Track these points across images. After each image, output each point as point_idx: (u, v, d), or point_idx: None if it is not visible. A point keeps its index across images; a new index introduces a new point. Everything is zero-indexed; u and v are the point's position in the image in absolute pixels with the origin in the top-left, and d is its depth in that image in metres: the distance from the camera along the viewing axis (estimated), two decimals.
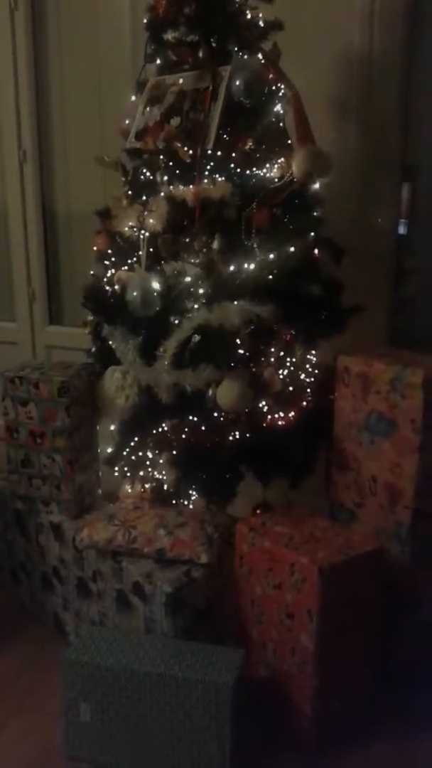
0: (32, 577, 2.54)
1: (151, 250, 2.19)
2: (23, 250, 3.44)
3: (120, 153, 2.31)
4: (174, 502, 2.36)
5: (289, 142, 2.23)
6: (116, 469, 2.39)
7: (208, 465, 2.23)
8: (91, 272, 2.41)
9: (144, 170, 2.22)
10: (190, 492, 2.35)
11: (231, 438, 2.21)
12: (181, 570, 2.08)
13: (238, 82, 2.06)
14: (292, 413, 2.25)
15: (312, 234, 2.25)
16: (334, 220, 2.37)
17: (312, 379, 2.34)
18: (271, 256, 2.13)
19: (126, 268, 2.28)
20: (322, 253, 2.32)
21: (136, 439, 2.31)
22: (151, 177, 2.20)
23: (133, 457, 2.33)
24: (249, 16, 2.19)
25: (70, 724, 1.94)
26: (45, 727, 2.09)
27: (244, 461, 2.28)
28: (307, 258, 2.26)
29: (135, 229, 2.23)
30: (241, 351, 2.13)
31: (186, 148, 2.10)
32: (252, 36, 2.19)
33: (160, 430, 2.26)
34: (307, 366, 2.34)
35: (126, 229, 2.26)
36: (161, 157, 2.15)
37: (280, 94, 2.20)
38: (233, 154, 2.12)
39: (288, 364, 2.26)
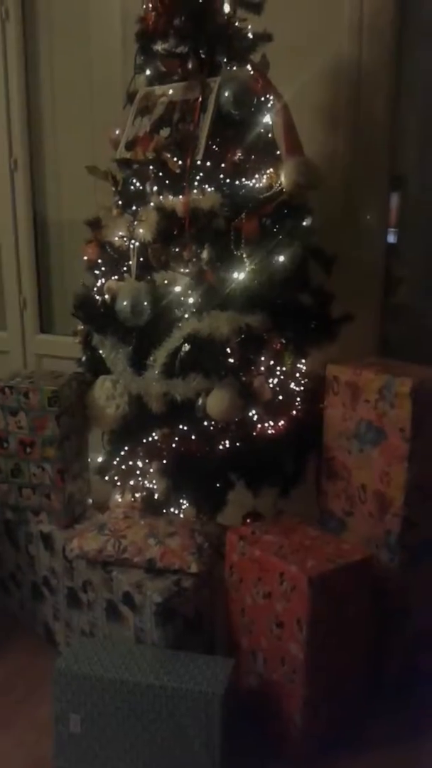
0: (22, 588, 2.53)
1: (141, 259, 2.20)
2: (14, 258, 3.45)
3: (110, 163, 2.31)
4: (164, 511, 2.36)
5: (278, 152, 2.25)
6: (106, 478, 2.39)
7: (198, 474, 2.24)
8: (82, 282, 2.41)
9: (134, 180, 2.23)
10: (181, 501, 2.35)
11: (221, 447, 2.21)
12: (171, 580, 2.08)
13: (227, 94, 2.07)
14: (282, 422, 2.26)
15: (301, 243, 2.26)
16: (324, 229, 2.38)
17: (302, 388, 2.34)
18: (261, 265, 2.14)
19: (116, 277, 2.29)
20: (312, 262, 2.33)
21: (126, 448, 2.31)
22: (141, 187, 2.21)
23: (123, 467, 2.33)
24: (238, 28, 2.21)
25: (59, 736, 1.93)
26: (35, 738, 2.08)
27: (234, 470, 2.28)
28: (297, 267, 2.27)
29: (125, 239, 2.24)
30: (231, 360, 2.14)
31: (176, 159, 2.11)
32: (241, 47, 2.20)
33: (150, 439, 2.26)
34: (297, 375, 2.34)
35: (116, 238, 2.27)
36: (151, 167, 2.16)
37: (269, 105, 2.22)
38: (222, 165, 2.14)
39: (278, 373, 2.27)
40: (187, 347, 2.12)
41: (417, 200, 2.82)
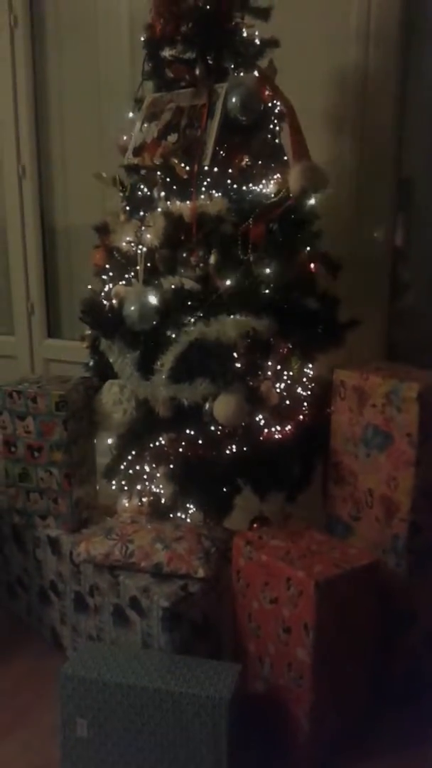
0: (30, 592, 2.54)
1: (148, 264, 2.21)
2: (22, 264, 3.47)
3: (118, 169, 2.32)
4: (171, 515, 2.36)
5: (285, 158, 2.25)
6: (114, 482, 2.39)
7: (205, 479, 2.24)
8: (89, 287, 2.42)
9: (142, 186, 2.24)
10: (188, 506, 2.35)
11: (228, 452, 2.21)
12: (178, 584, 2.08)
13: (234, 100, 2.08)
14: (289, 427, 2.26)
15: (308, 248, 2.27)
16: (330, 233, 2.39)
17: (309, 393, 2.34)
18: (268, 270, 2.15)
19: (124, 282, 2.30)
20: (319, 267, 2.34)
21: (133, 452, 2.31)
22: (149, 193, 2.22)
23: (130, 471, 2.34)
24: (245, 34, 2.22)
25: (66, 740, 1.93)
26: (42, 742, 2.08)
27: (241, 475, 2.28)
28: (304, 272, 2.28)
29: (132, 245, 2.25)
30: (237, 365, 2.14)
31: (183, 165, 2.12)
32: (248, 53, 2.21)
33: (157, 443, 2.26)
34: (304, 379, 2.35)
35: (124, 244, 2.28)
36: (159, 173, 2.17)
37: (276, 110, 2.23)
38: (230, 170, 2.14)
39: (285, 377, 2.27)
40: (194, 352, 2.12)
41: (424, 204, 2.82)
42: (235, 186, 2.14)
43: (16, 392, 2.32)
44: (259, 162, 2.20)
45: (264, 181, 2.19)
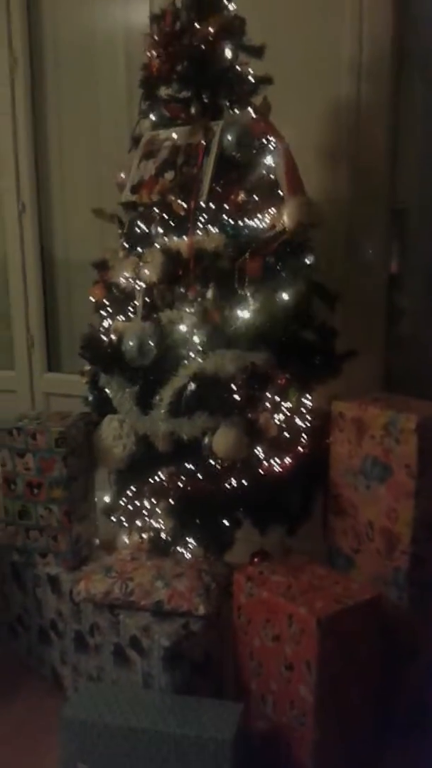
0: (30, 631, 2.51)
1: (147, 300, 2.22)
2: (22, 298, 3.49)
3: (116, 206, 2.35)
4: (172, 551, 2.35)
5: (281, 192, 2.28)
6: (113, 518, 2.38)
7: (205, 513, 2.23)
8: (89, 323, 2.43)
9: (139, 223, 2.26)
10: (188, 540, 2.34)
11: (227, 485, 2.20)
12: (178, 623, 2.05)
13: (229, 137, 2.12)
14: (289, 459, 2.25)
15: (304, 281, 2.28)
16: (327, 264, 2.41)
17: (308, 424, 2.34)
18: (265, 303, 2.16)
19: (122, 318, 2.31)
20: (315, 299, 2.35)
21: (133, 488, 2.31)
22: (147, 229, 2.24)
23: (130, 507, 2.33)
24: (240, 72, 2.26)
25: None
26: None
27: (242, 508, 2.27)
28: (301, 304, 2.29)
29: (131, 280, 2.26)
30: (236, 398, 2.14)
31: (180, 201, 2.14)
32: (243, 91, 2.25)
33: (156, 478, 2.25)
34: (303, 411, 2.34)
35: (122, 280, 2.29)
36: (156, 209, 2.19)
37: (271, 146, 2.26)
38: (226, 206, 2.17)
39: (283, 409, 2.27)
40: (192, 386, 2.13)
41: (417, 232, 2.85)
42: (231, 221, 2.16)
43: (16, 429, 2.32)
44: (255, 197, 2.22)
45: (260, 216, 2.21)
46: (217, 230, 2.14)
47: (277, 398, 2.23)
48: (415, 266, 2.89)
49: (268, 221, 2.22)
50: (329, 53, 2.68)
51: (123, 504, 2.34)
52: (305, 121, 2.65)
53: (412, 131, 2.76)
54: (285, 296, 2.20)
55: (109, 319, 2.36)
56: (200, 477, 2.21)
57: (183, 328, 2.16)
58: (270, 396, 2.21)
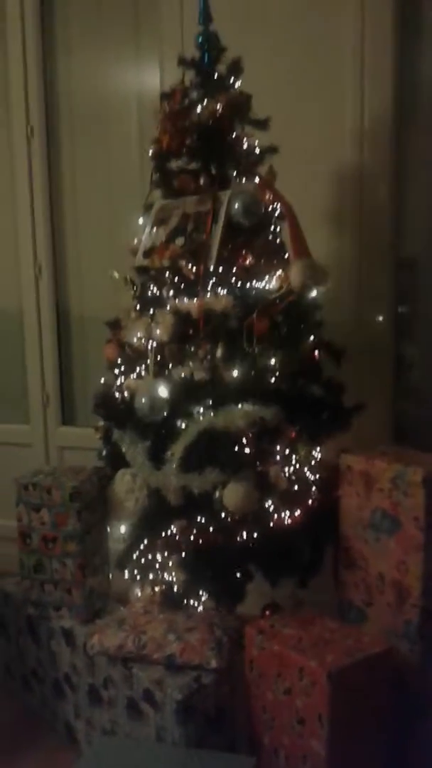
0: (44, 684, 2.53)
1: (158, 358, 2.31)
2: (38, 356, 3.59)
3: (129, 269, 2.46)
4: (184, 603, 2.38)
5: (287, 255, 2.38)
6: (126, 571, 2.42)
7: (216, 566, 2.26)
8: (102, 380, 2.52)
9: (151, 285, 2.36)
10: (200, 593, 2.37)
11: (239, 539, 2.25)
12: (191, 676, 2.08)
13: (236, 206, 2.22)
14: (299, 512, 2.29)
15: (312, 338, 2.36)
16: (333, 321, 2.49)
17: (317, 477, 2.39)
18: (273, 360, 2.24)
19: (135, 376, 2.39)
20: (323, 354, 2.43)
21: (145, 541, 2.35)
22: (158, 292, 2.34)
23: (142, 560, 2.37)
24: (246, 144, 2.38)
25: None
26: None
27: (253, 561, 2.30)
28: (308, 360, 2.36)
29: (143, 339, 2.35)
30: (246, 451, 2.20)
31: (190, 266, 2.24)
32: (249, 162, 2.37)
33: (168, 532, 2.30)
34: (312, 464, 2.39)
35: (135, 339, 2.38)
36: (167, 273, 2.29)
37: (277, 212, 2.37)
38: (234, 269, 2.26)
39: (293, 462, 2.32)
40: (203, 441, 2.19)
41: (424, 285, 2.93)
42: (239, 283, 2.25)
43: (32, 484, 2.39)
44: (262, 260, 2.32)
45: (267, 278, 2.31)
46: (225, 292, 2.23)
47: (287, 451, 2.29)
48: (422, 318, 2.97)
49: (274, 282, 2.31)
50: (332, 122, 2.82)
51: (136, 557, 2.38)
52: (310, 187, 2.77)
53: (417, 181, 2.86)
54: (292, 353, 2.28)
55: (122, 377, 2.45)
56: (212, 530, 2.25)
57: (193, 384, 2.24)
58: (279, 450, 2.27)
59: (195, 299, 2.23)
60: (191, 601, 2.37)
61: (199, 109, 2.30)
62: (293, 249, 2.34)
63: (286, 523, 2.26)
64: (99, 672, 2.25)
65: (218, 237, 2.20)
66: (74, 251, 3.54)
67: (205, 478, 2.19)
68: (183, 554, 2.29)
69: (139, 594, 2.45)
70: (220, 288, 2.23)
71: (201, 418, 2.20)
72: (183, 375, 2.25)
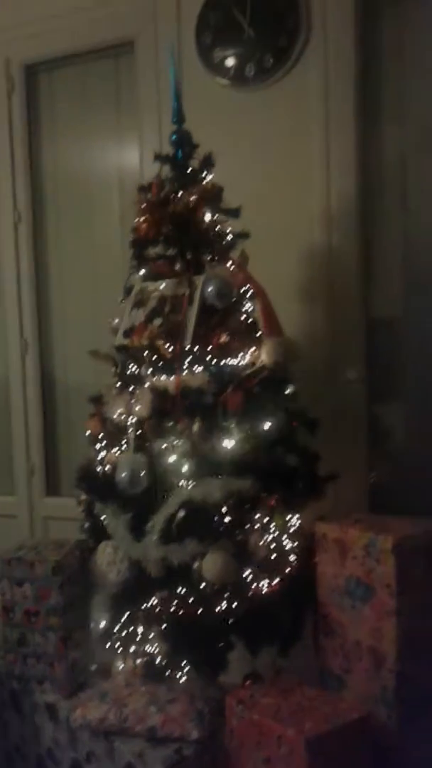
0: (27, 760, 2.52)
1: (138, 433, 2.40)
2: (23, 427, 3.68)
3: (110, 348, 2.58)
4: (167, 674, 2.40)
5: (259, 333, 2.52)
6: (108, 644, 2.45)
7: (197, 637, 2.30)
8: (84, 456, 2.60)
9: (131, 364, 2.48)
10: (183, 664, 2.40)
11: (218, 609, 2.29)
12: (172, 748, 2.10)
13: (210, 289, 2.35)
14: (278, 580, 2.35)
15: (285, 410, 2.47)
16: (307, 390, 2.59)
17: (295, 545, 2.44)
18: (248, 433, 2.34)
19: (116, 450, 2.48)
20: (297, 425, 2.53)
21: (127, 613, 2.39)
22: (138, 369, 2.45)
23: (124, 632, 2.40)
24: (219, 231, 2.53)
25: None
26: None
27: (233, 631, 2.34)
28: (282, 432, 2.46)
29: (123, 415, 2.45)
30: (224, 521, 2.27)
31: (167, 345, 2.36)
32: (222, 247, 2.51)
33: (150, 604, 2.35)
34: (289, 532, 2.46)
35: (116, 415, 2.48)
36: (146, 352, 2.41)
37: (249, 294, 2.51)
38: (209, 348, 2.37)
39: (271, 530, 2.39)
40: (182, 513, 2.27)
41: (398, 351, 3.06)
42: (214, 361, 2.36)
43: (15, 559, 2.44)
44: (235, 338, 2.45)
45: (240, 355, 2.43)
46: (201, 369, 2.35)
47: (265, 520, 2.36)
48: (392, 386, 3.09)
49: (248, 359, 2.43)
50: (301, 206, 2.98)
51: (117, 629, 2.42)
52: (281, 266, 2.91)
53: (382, 268, 3.03)
54: (266, 425, 2.38)
55: (103, 451, 2.53)
56: (192, 601, 2.30)
57: (172, 458, 2.32)
58: (258, 519, 2.35)
59: (172, 376, 2.35)
60: (173, 673, 2.40)
61: (174, 200, 2.45)
62: (265, 328, 2.48)
63: (265, 591, 2.32)
64: (81, 746, 2.27)
65: (193, 318, 2.32)
66: (59, 328, 3.68)
67: (184, 549, 2.25)
68: (164, 626, 2.33)
69: (122, 666, 2.48)
70: (196, 365, 2.34)
71: (180, 490, 2.28)
72: (162, 449, 2.34)
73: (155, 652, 2.39)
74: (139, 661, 2.43)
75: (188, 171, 2.53)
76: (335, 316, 3.00)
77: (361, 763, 2.06)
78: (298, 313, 3.00)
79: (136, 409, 2.39)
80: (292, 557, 2.41)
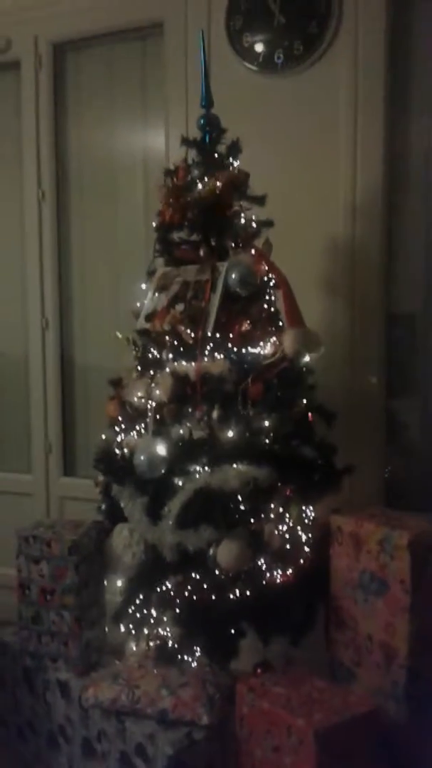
0: (39, 735, 2.56)
1: (157, 417, 2.41)
2: (42, 406, 3.69)
3: (131, 331, 2.58)
4: (178, 658, 2.42)
5: (281, 322, 2.50)
6: (122, 625, 2.47)
7: (210, 623, 2.31)
8: (103, 436, 2.61)
9: (152, 348, 2.48)
10: (194, 649, 2.42)
11: (232, 596, 2.31)
12: (182, 731, 2.12)
13: (233, 276, 2.34)
14: (291, 570, 2.36)
15: (304, 401, 2.46)
16: (326, 383, 2.58)
17: (310, 536, 2.45)
18: (267, 423, 2.33)
19: (134, 433, 2.49)
20: (315, 417, 2.52)
21: (141, 596, 2.41)
22: (158, 354, 2.45)
23: (138, 615, 2.43)
24: (244, 218, 2.51)
25: None
26: None
27: (245, 619, 2.35)
28: (301, 423, 2.45)
29: (143, 399, 2.46)
30: (241, 509, 2.27)
31: (189, 331, 2.35)
32: (246, 235, 2.50)
33: (164, 587, 2.37)
34: (305, 523, 2.46)
35: (135, 398, 2.49)
36: (167, 337, 2.41)
37: (272, 282, 2.50)
38: (230, 335, 2.37)
39: (286, 521, 2.39)
40: (198, 500, 2.27)
41: (419, 344, 3.03)
42: (235, 349, 2.36)
43: (32, 537, 2.47)
44: (257, 327, 2.44)
45: (261, 344, 2.42)
46: (222, 356, 2.34)
47: (281, 510, 2.36)
48: (412, 381, 3.07)
49: (269, 348, 2.42)
50: (326, 196, 2.94)
51: (131, 611, 2.44)
52: (305, 257, 2.89)
53: (403, 262, 2.99)
54: (285, 416, 2.37)
55: (122, 434, 2.54)
56: (206, 587, 2.32)
57: (190, 444, 2.33)
58: (273, 508, 2.35)
59: (193, 362, 2.34)
60: (185, 657, 2.42)
61: (200, 185, 2.43)
62: (287, 318, 2.46)
63: (278, 581, 2.33)
64: (93, 725, 2.30)
65: (216, 305, 2.31)
66: (80, 308, 3.67)
67: (199, 536, 2.25)
68: (177, 610, 2.35)
69: (134, 648, 2.50)
70: (217, 353, 2.34)
71: (196, 477, 2.29)
72: (180, 434, 2.35)
73: (168, 635, 2.41)
74: (151, 643, 2.45)
75: (215, 156, 2.51)
76: (356, 309, 2.97)
77: (369, 756, 2.08)
78: (319, 304, 2.98)
79: (156, 393, 2.39)
80: (306, 548, 2.41)
